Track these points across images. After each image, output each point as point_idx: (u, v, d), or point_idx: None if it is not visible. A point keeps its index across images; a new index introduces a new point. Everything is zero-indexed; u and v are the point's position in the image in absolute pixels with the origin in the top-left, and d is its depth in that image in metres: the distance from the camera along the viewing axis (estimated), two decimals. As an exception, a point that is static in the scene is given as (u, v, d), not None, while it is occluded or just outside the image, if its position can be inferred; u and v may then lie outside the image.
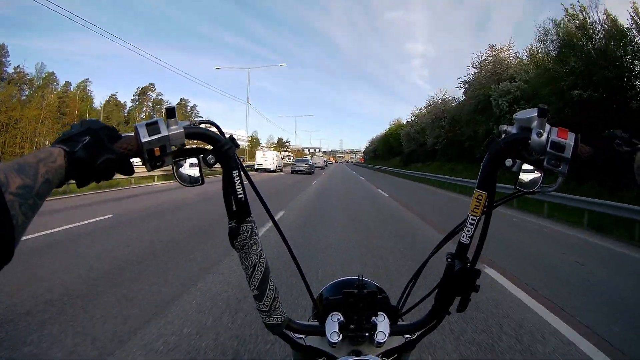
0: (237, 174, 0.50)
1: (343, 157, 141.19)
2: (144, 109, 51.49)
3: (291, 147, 69.45)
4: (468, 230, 0.52)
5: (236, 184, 0.50)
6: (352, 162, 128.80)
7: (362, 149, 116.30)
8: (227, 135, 0.51)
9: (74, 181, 0.42)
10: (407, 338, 0.59)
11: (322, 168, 40.09)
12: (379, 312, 0.55)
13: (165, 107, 0.48)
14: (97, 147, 0.42)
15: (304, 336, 0.58)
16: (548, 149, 0.45)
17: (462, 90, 22.92)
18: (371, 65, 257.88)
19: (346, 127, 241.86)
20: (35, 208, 0.35)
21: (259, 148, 41.32)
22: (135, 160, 0.48)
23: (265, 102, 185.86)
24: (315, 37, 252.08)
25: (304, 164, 26.60)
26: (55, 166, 0.38)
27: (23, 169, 0.35)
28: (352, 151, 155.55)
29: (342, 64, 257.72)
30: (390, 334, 0.54)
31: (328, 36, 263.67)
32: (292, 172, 26.22)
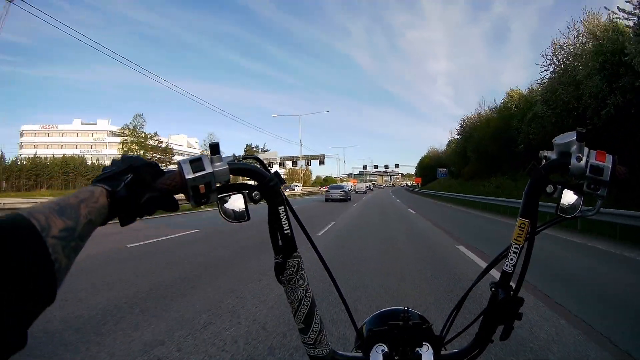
0: (283, 209, 0.50)
1: (376, 181, 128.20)
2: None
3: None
4: (511, 259, 0.51)
5: (282, 220, 0.50)
6: (394, 185, 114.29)
7: (395, 169, 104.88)
8: (272, 171, 0.51)
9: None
10: None
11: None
12: (423, 343, 0.54)
13: (209, 143, 0.48)
14: (140, 185, 0.42)
15: None
16: (587, 173, 0.46)
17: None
18: (393, 86, 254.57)
19: (373, 149, 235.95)
20: (78, 249, 0.35)
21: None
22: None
23: (285, 124, 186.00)
24: (338, 59, 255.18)
25: (338, 191, 23.46)
26: (98, 206, 0.38)
27: (64, 211, 0.34)
28: (385, 172, 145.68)
29: (363, 86, 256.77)
30: None
31: (350, 59, 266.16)
32: (326, 200, 22.74)
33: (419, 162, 66.13)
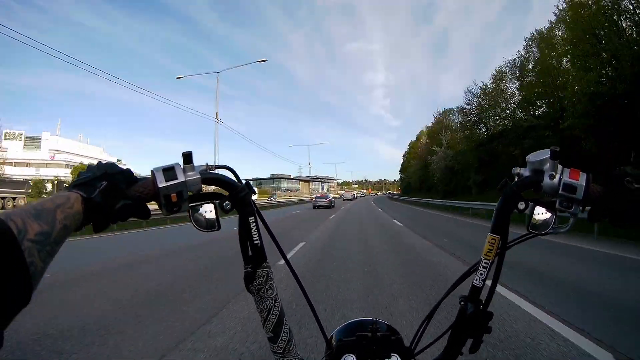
0: (253, 219, 0.50)
1: (299, 188, 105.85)
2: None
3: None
4: (481, 274, 0.51)
5: (252, 230, 0.50)
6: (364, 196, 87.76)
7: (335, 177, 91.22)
8: (243, 181, 0.52)
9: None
10: None
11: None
12: (392, 354, 0.54)
13: (182, 152, 0.47)
14: (114, 192, 0.42)
15: None
16: (560, 191, 0.46)
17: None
18: (332, 96, 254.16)
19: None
20: (53, 253, 0.35)
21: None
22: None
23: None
24: (277, 70, 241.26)
25: (323, 200, 28.36)
26: (73, 212, 0.38)
27: (41, 215, 0.35)
28: (316, 177, 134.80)
29: (301, 96, 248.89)
30: None
31: (288, 69, 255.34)
32: (314, 207, 26.74)
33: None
